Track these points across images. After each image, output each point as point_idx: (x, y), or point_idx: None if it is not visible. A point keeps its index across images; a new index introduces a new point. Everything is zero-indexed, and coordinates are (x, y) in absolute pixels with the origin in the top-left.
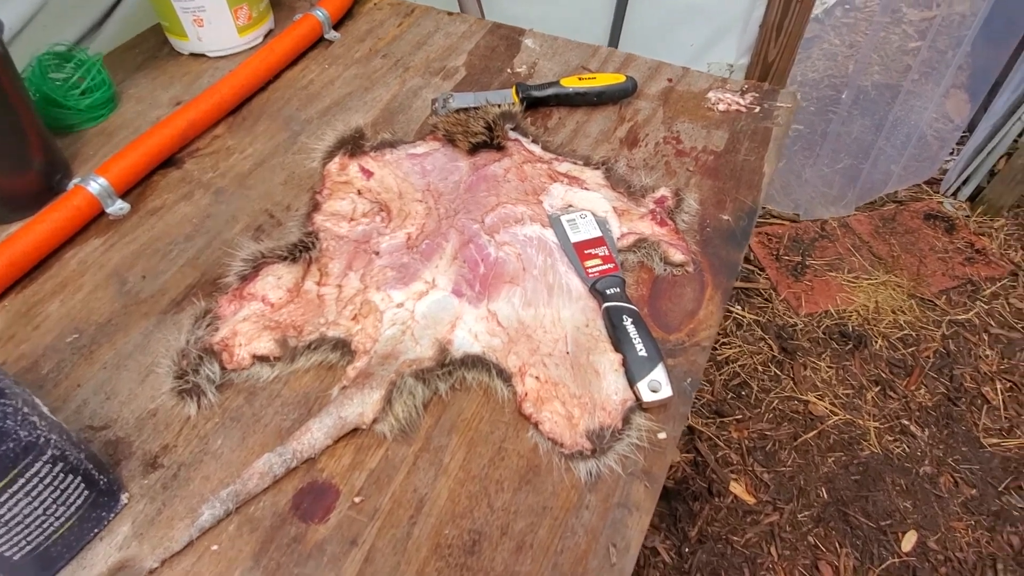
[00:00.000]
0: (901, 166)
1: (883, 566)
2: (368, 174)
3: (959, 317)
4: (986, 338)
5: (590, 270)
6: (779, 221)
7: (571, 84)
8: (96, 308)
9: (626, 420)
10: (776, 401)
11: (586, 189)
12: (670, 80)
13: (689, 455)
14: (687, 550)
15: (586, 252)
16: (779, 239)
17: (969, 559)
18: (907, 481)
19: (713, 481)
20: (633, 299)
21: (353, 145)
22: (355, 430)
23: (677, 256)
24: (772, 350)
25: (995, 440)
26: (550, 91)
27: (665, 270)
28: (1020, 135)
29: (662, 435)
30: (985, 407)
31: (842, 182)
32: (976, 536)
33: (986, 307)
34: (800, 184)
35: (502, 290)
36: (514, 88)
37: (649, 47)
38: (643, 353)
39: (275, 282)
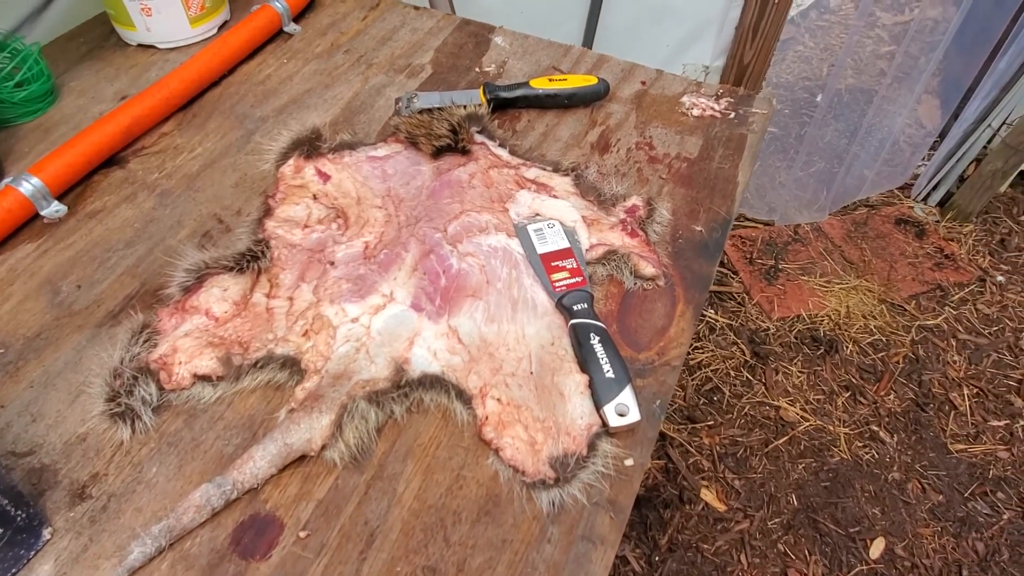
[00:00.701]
0: (874, 171)
1: (851, 573)
2: (325, 177)
3: (928, 322)
4: (954, 343)
5: (557, 284)
6: (753, 224)
7: (541, 85)
8: (25, 320)
9: (591, 446)
10: (748, 407)
11: (555, 197)
12: (643, 83)
13: (660, 462)
14: (657, 559)
15: (553, 264)
16: (752, 242)
17: (935, 565)
18: (876, 487)
19: (684, 488)
20: (601, 315)
21: (309, 146)
22: (303, 457)
23: (648, 269)
24: (744, 355)
25: (962, 446)
26: (519, 92)
27: (635, 284)
28: (989, 142)
29: (629, 462)
30: (952, 413)
31: (816, 186)
32: (942, 542)
33: (955, 312)
34: (775, 188)
35: (464, 304)
36: (482, 88)
37: (624, 46)
38: (610, 375)
39: (220, 294)
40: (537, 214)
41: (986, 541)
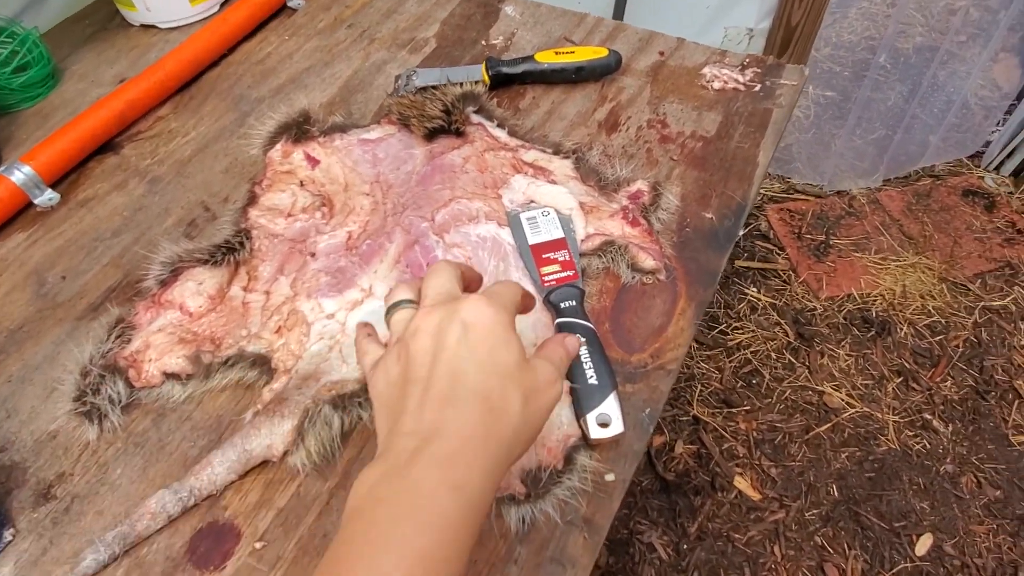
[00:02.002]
0: (940, 137)
1: (894, 570)
2: (314, 162)
3: (994, 303)
4: (1022, 327)
5: (546, 278)
6: (803, 197)
7: (546, 59)
8: (9, 312)
9: (568, 459)
10: (789, 391)
11: (552, 182)
12: (662, 53)
13: (693, 447)
14: (685, 547)
15: (544, 256)
16: (802, 216)
17: (988, 565)
18: (926, 480)
19: (717, 475)
20: (594, 311)
21: (298, 130)
22: (266, 462)
23: (648, 262)
24: (788, 336)
25: None
26: (523, 67)
27: (633, 278)
28: None
29: (610, 477)
30: (1016, 402)
31: (874, 154)
32: (997, 541)
33: None
34: (828, 156)
35: None
36: (484, 64)
37: (659, 11)
38: (594, 381)
39: (195, 288)
40: (532, 201)
41: None
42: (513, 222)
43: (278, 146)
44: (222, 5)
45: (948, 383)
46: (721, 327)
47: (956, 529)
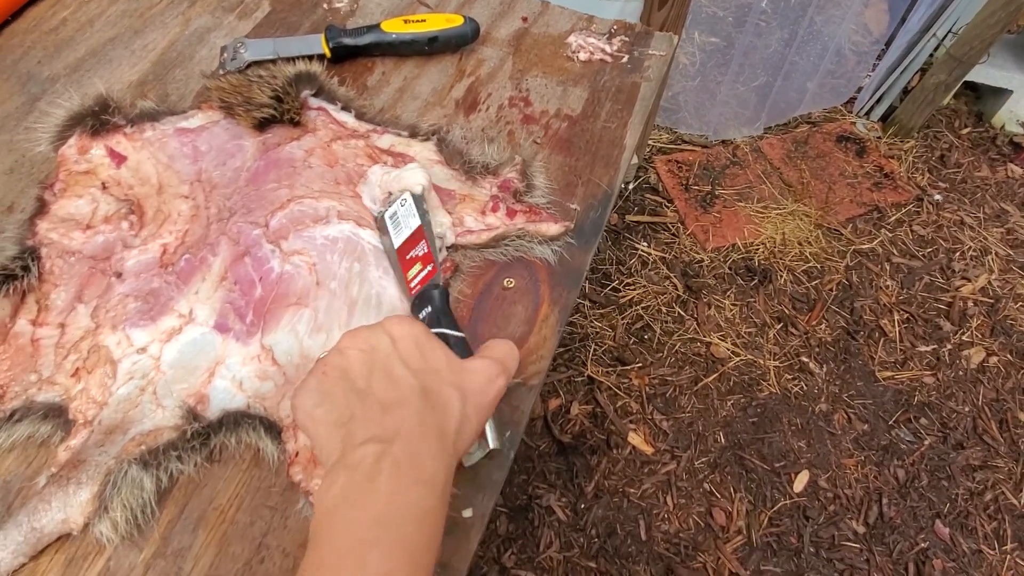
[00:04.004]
0: (816, 83)
1: (775, 508)
2: (119, 159)
3: (863, 246)
4: (888, 268)
5: (412, 283)
6: (690, 147)
7: (395, 29)
8: None
9: None
10: (679, 344)
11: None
12: (524, 19)
13: (588, 407)
14: (583, 506)
15: (408, 257)
16: (689, 167)
17: (857, 495)
18: (803, 420)
19: (612, 433)
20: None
21: (95, 120)
22: (67, 535)
23: (552, 229)
24: (677, 289)
25: (889, 373)
26: (368, 38)
27: (553, 253)
28: (935, 51)
29: (467, 513)
30: (882, 340)
31: (757, 102)
32: (864, 472)
33: (890, 235)
34: (713, 104)
35: (283, 317)
36: (324, 34)
37: None
38: None
39: None
40: (389, 193)
41: (907, 468)
42: (381, 226)
43: (72, 140)
44: None
45: (823, 326)
46: (613, 284)
47: (829, 464)
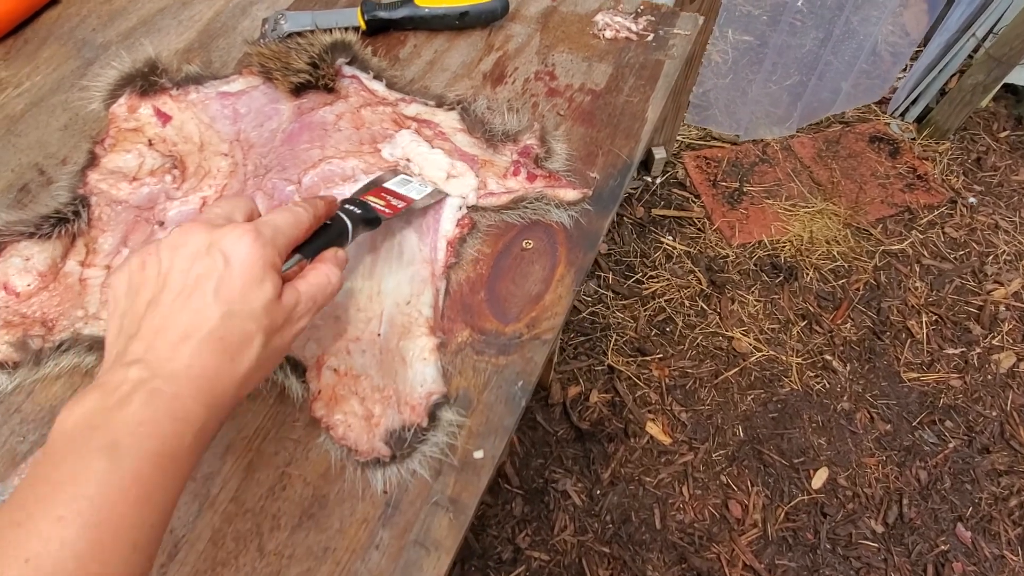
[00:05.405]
0: (850, 83)
1: (792, 503)
2: (165, 119)
3: (893, 247)
4: (917, 269)
5: (367, 198)
6: (719, 144)
7: (428, 4)
8: None
9: (432, 416)
10: (700, 337)
11: (442, 136)
12: None
13: (607, 395)
14: (599, 492)
15: (383, 195)
16: (718, 163)
17: (876, 494)
18: (824, 418)
19: (630, 422)
20: (470, 280)
21: (144, 81)
22: None
23: (570, 194)
24: (701, 283)
25: (915, 375)
26: (402, 12)
27: (569, 217)
28: (973, 52)
29: (479, 454)
30: (909, 341)
31: (788, 101)
32: (886, 472)
33: (921, 236)
34: (744, 102)
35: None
36: (360, 7)
37: None
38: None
39: (22, 264)
40: (408, 159)
41: (929, 470)
42: (391, 167)
43: (122, 100)
44: None
45: (848, 325)
46: (637, 276)
47: (849, 462)
